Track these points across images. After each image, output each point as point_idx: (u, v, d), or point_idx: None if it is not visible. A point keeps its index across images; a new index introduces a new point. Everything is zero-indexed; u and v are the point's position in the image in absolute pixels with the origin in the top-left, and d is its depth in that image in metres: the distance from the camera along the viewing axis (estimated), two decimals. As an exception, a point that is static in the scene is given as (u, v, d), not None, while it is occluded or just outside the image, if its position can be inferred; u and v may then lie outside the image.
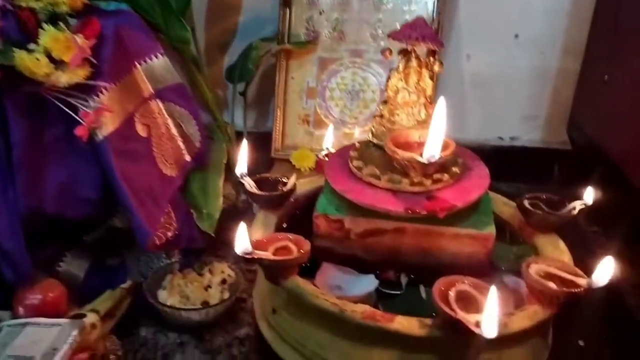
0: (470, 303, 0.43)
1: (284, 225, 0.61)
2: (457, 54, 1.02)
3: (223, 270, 0.69)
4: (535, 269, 0.48)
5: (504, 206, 0.63)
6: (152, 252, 0.68)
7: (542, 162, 1.04)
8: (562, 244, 0.56)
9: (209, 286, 0.67)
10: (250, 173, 1.05)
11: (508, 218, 0.62)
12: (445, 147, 0.51)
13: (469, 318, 0.40)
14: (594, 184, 0.62)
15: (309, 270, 0.55)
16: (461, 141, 1.04)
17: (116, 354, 0.58)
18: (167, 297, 0.67)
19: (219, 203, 0.72)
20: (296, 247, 0.50)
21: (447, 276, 0.45)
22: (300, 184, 0.67)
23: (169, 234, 0.68)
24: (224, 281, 0.68)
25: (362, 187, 0.53)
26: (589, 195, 0.58)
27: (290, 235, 0.51)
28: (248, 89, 1.00)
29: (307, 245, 0.49)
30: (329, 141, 0.72)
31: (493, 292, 0.39)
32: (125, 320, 0.63)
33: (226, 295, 0.65)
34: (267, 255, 0.47)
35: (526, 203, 0.59)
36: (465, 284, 0.44)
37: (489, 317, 0.38)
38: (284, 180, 0.63)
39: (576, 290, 0.44)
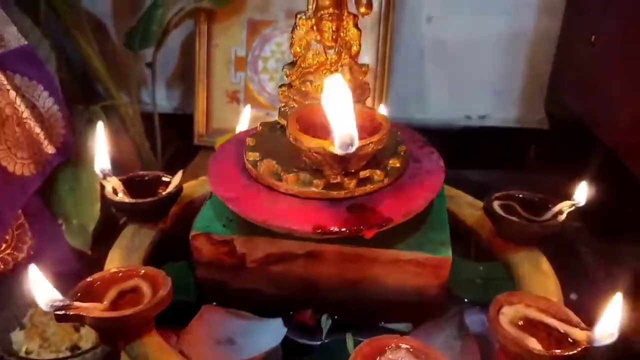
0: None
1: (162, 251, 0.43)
2: (415, 15, 0.85)
3: (104, 299, 0.52)
4: (509, 314, 0.31)
5: (469, 208, 0.47)
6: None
7: (516, 145, 0.90)
8: (545, 264, 0.40)
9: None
10: (169, 165, 0.85)
11: (474, 224, 0.46)
12: (376, 128, 0.34)
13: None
14: (582, 174, 0.47)
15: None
16: (421, 122, 0.91)
17: None
18: (23, 340, 0.50)
19: (96, 210, 0.54)
20: (151, 288, 0.32)
21: (372, 339, 0.28)
22: (203, 183, 0.50)
23: (21, 256, 0.50)
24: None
25: (256, 193, 0.36)
26: (582, 193, 0.42)
27: (144, 270, 0.33)
28: (162, 59, 0.82)
29: (165, 287, 0.32)
30: (244, 126, 0.55)
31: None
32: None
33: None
34: (92, 309, 0.30)
35: (496, 205, 0.42)
36: (400, 349, 0.28)
37: None
38: (168, 179, 0.45)
39: (571, 353, 0.29)
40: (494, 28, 0.84)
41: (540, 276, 0.39)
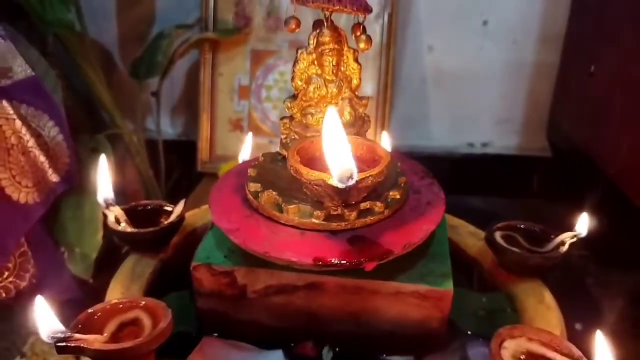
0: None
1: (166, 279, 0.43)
2: (416, 45, 0.86)
3: (106, 328, 0.51)
4: (511, 348, 0.31)
5: (471, 238, 0.47)
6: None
7: (519, 172, 0.90)
8: (548, 296, 0.40)
9: (83, 352, 0.50)
10: (173, 192, 0.86)
11: (476, 254, 0.46)
12: (376, 160, 0.34)
13: None
14: (584, 203, 0.47)
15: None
16: (425, 150, 0.91)
17: None
18: (22, 369, 0.49)
19: (98, 238, 0.54)
20: (152, 320, 0.32)
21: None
22: (205, 212, 0.50)
23: (23, 284, 0.50)
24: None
25: (257, 224, 0.36)
26: (583, 224, 0.42)
27: (144, 301, 0.33)
28: (167, 87, 0.84)
29: (165, 319, 0.32)
30: (246, 154, 0.56)
31: None
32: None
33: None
34: (93, 341, 0.30)
35: (498, 236, 0.42)
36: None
37: None
38: (170, 208, 0.46)
39: (576, 389, 0.28)
40: (495, 57, 0.85)
41: (542, 309, 0.39)
